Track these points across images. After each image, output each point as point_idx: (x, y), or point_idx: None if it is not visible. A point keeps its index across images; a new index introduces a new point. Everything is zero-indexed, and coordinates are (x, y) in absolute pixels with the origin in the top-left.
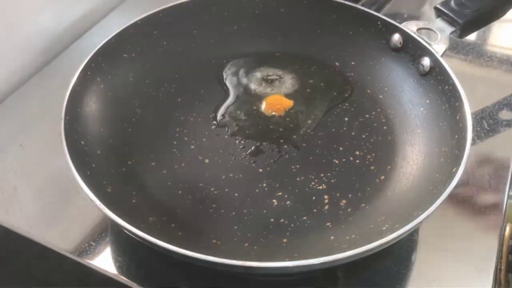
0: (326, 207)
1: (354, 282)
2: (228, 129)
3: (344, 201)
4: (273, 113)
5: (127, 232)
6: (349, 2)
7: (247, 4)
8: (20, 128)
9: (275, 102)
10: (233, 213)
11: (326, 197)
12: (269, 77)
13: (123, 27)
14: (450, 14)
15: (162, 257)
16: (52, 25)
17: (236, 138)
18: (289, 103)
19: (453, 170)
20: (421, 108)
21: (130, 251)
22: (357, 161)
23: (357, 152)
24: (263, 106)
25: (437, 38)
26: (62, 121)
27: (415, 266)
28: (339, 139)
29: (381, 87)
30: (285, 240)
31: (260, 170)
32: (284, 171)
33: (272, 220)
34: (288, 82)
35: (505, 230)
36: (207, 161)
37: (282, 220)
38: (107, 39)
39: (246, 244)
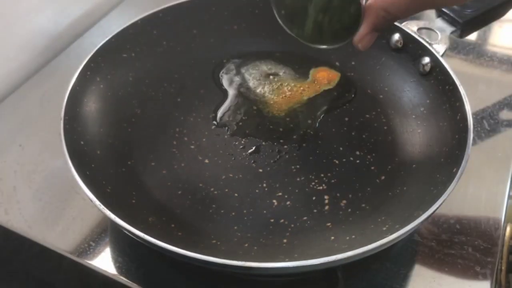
0: (326, 207)
1: (354, 282)
2: (228, 129)
3: (344, 201)
4: (321, 87)
5: (126, 232)
6: None
7: (247, 4)
8: (20, 128)
9: (323, 77)
10: (233, 213)
11: (326, 197)
12: (269, 77)
13: (123, 27)
14: (451, 14)
15: (162, 257)
16: (52, 25)
17: (236, 138)
18: (336, 75)
19: (454, 170)
20: (422, 108)
21: (130, 251)
22: (357, 161)
23: (357, 152)
24: (313, 80)
25: (438, 38)
26: (62, 121)
27: (415, 266)
28: (339, 139)
29: (381, 87)
30: (285, 241)
31: (260, 170)
32: (284, 171)
33: (272, 220)
34: (288, 81)
35: (505, 230)
36: (207, 161)
37: (282, 220)
38: (107, 39)
39: (246, 245)
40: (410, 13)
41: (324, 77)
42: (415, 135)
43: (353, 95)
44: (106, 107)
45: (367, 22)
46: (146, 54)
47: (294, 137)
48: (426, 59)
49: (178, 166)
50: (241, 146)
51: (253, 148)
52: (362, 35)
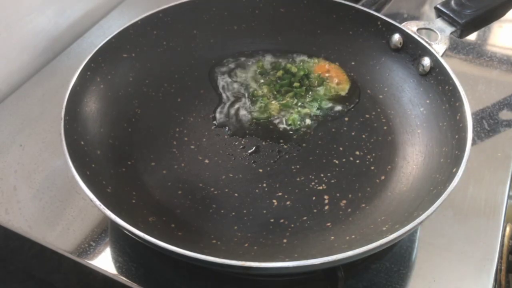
0: (326, 207)
1: (354, 282)
2: (228, 129)
3: (344, 201)
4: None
5: (126, 232)
6: (349, 2)
7: (247, 4)
8: (20, 128)
9: (323, 70)
10: (233, 213)
11: (326, 197)
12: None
13: (123, 27)
14: (451, 14)
15: (162, 257)
16: (52, 25)
17: (236, 138)
18: (338, 68)
19: (453, 170)
20: (421, 108)
21: (130, 251)
22: (357, 161)
23: (357, 152)
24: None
25: (437, 38)
26: (62, 121)
27: (415, 266)
28: (339, 139)
29: (381, 87)
30: (285, 240)
31: (260, 170)
32: (284, 171)
33: (272, 220)
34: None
35: (505, 230)
36: (207, 161)
37: (282, 220)
38: (107, 39)
39: (246, 244)
40: None
41: (323, 70)
42: (415, 135)
43: (353, 96)
44: (106, 107)
45: None
46: (146, 54)
47: (294, 137)
48: (426, 59)
49: (178, 166)
50: (241, 146)
51: (253, 148)
52: None
